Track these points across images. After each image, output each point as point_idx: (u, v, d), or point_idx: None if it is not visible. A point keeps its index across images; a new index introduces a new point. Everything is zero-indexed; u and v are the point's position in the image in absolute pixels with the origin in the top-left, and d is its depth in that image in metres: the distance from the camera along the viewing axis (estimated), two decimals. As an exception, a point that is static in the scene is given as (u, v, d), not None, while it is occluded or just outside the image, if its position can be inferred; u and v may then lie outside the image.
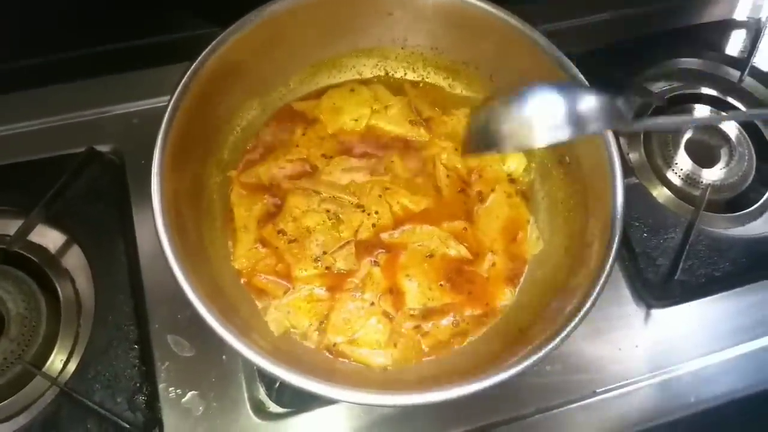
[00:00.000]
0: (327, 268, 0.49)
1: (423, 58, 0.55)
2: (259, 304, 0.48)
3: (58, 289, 0.53)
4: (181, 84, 0.45)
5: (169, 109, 0.43)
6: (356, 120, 0.53)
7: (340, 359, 0.47)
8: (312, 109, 0.55)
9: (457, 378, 0.40)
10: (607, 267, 0.41)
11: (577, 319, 0.40)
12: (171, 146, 0.44)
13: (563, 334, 0.40)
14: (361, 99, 0.54)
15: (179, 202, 0.44)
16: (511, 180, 0.55)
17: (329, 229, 0.50)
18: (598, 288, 0.41)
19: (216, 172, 0.51)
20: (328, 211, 0.50)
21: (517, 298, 0.49)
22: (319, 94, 0.55)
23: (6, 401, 0.49)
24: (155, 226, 0.40)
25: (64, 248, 0.54)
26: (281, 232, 0.50)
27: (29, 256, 0.53)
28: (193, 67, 0.45)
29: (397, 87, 0.57)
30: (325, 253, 0.49)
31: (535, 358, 0.39)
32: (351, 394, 0.38)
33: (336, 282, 0.49)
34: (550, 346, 0.39)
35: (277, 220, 0.50)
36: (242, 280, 0.49)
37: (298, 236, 0.50)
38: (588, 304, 0.41)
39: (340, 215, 0.50)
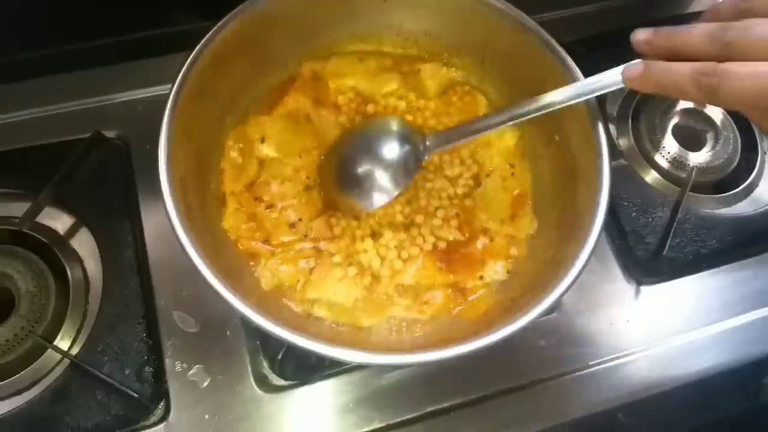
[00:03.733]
0: (305, 235, 0.50)
1: (417, 44, 0.57)
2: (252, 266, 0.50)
3: (67, 269, 0.54)
4: (183, 69, 0.46)
5: (174, 89, 0.45)
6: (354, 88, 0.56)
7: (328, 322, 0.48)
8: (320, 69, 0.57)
9: (452, 343, 0.41)
10: (595, 234, 0.43)
11: (566, 285, 0.42)
12: (176, 128, 0.45)
13: (553, 298, 0.41)
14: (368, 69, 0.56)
15: (185, 178, 0.45)
16: (508, 164, 0.56)
17: (306, 197, 0.51)
18: (587, 254, 0.42)
19: (219, 147, 0.52)
20: (307, 177, 0.52)
21: (511, 270, 0.51)
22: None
23: (17, 375, 0.51)
24: (164, 201, 0.42)
25: (73, 229, 0.56)
26: (258, 198, 0.51)
27: (38, 236, 0.55)
28: (192, 54, 0.47)
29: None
30: (300, 220, 0.50)
31: (525, 319, 0.40)
32: (355, 354, 0.39)
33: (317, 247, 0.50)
34: (540, 308, 0.41)
35: (255, 186, 0.51)
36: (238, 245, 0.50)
37: (274, 203, 0.51)
38: (577, 271, 0.42)
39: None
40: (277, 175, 0.52)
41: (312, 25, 0.54)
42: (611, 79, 0.42)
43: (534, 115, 0.45)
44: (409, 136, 0.49)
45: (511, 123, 0.46)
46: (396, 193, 0.49)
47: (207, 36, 0.47)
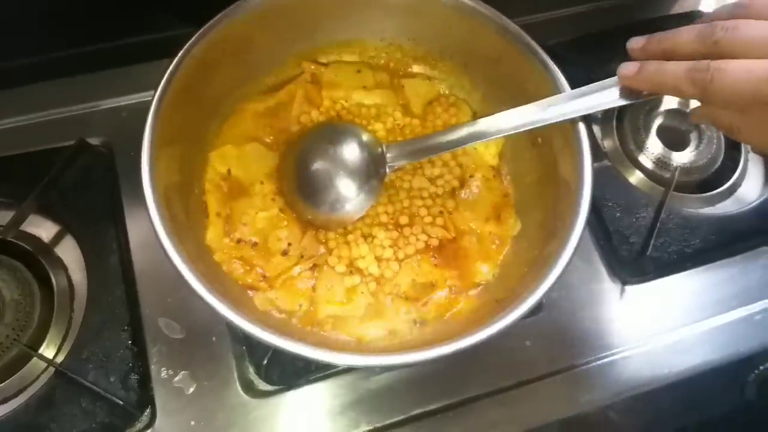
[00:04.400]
0: (300, 256, 0.50)
1: (401, 49, 0.57)
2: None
3: (52, 277, 0.54)
4: (166, 74, 0.47)
5: (156, 96, 0.45)
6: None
7: (328, 332, 0.48)
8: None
9: (438, 344, 0.41)
10: (578, 233, 0.43)
11: (549, 284, 0.42)
12: (159, 134, 0.46)
13: (537, 297, 0.41)
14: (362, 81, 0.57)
15: (169, 185, 0.45)
16: (491, 166, 0.57)
17: (285, 219, 0.51)
18: (570, 253, 0.43)
19: (203, 158, 0.52)
20: (274, 200, 0.51)
21: (496, 272, 0.51)
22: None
23: (1, 384, 0.50)
24: (147, 210, 0.42)
25: (57, 237, 0.56)
26: (240, 241, 0.50)
27: (23, 245, 0.54)
28: (175, 60, 0.47)
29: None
30: (290, 244, 0.50)
31: (510, 318, 0.41)
32: (336, 357, 0.39)
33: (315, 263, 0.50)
34: (524, 307, 0.41)
35: (229, 230, 0.50)
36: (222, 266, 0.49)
37: (257, 240, 0.50)
38: (560, 270, 0.42)
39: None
40: (248, 208, 0.51)
41: (294, 32, 0.55)
42: (600, 97, 0.43)
43: (516, 131, 0.46)
44: (368, 142, 0.50)
45: (485, 140, 0.47)
46: (368, 202, 0.50)
47: (190, 42, 0.48)
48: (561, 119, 0.45)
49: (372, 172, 0.50)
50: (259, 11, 0.50)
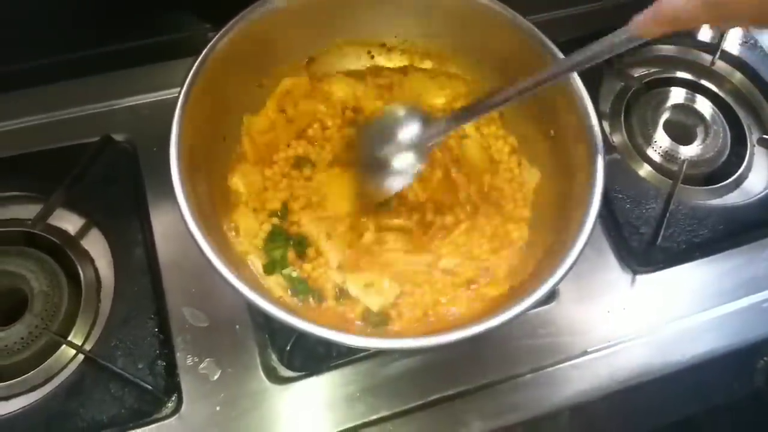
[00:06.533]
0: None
1: (415, 45, 0.59)
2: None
3: (79, 268, 0.56)
4: (191, 73, 0.48)
5: (182, 93, 0.47)
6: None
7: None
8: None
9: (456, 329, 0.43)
10: (590, 222, 0.45)
11: (563, 272, 0.44)
12: (185, 128, 0.47)
13: (551, 284, 0.43)
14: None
15: (194, 175, 0.47)
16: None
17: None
18: (583, 242, 0.44)
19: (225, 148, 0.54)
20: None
21: (510, 261, 0.53)
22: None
23: (31, 372, 0.52)
24: (177, 199, 0.44)
25: (84, 230, 0.58)
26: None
27: (50, 237, 0.56)
28: (199, 58, 0.49)
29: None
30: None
31: (524, 305, 0.42)
32: (360, 340, 0.41)
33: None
34: (538, 294, 0.42)
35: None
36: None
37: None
38: (573, 258, 0.44)
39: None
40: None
41: (313, 29, 0.56)
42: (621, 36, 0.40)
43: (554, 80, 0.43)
44: (419, 118, 0.51)
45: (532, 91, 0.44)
46: (410, 177, 0.51)
47: (218, 35, 0.49)
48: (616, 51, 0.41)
49: (421, 147, 0.51)
50: (278, 11, 0.52)
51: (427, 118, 0.51)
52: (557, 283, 0.44)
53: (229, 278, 0.41)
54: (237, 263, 0.49)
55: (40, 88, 0.62)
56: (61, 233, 0.57)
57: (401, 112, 0.52)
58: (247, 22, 0.51)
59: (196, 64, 0.48)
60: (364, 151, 0.55)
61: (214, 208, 0.51)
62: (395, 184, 0.52)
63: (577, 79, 0.50)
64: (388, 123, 0.52)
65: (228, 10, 0.51)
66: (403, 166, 0.51)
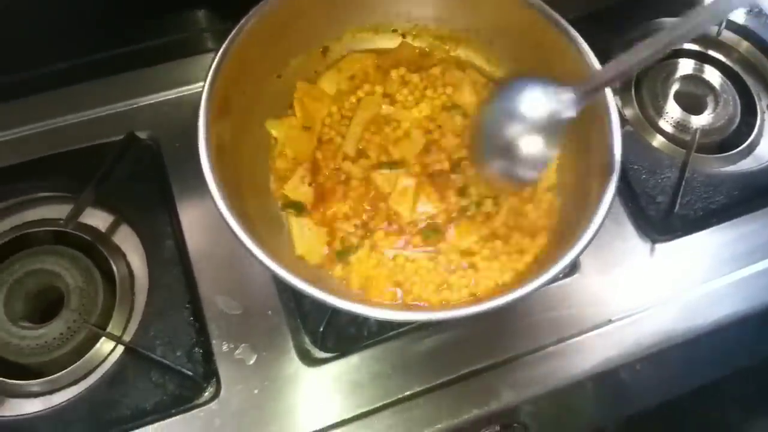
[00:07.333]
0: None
1: (427, 29, 0.60)
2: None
3: (112, 263, 0.57)
4: (210, 73, 0.49)
5: (207, 84, 0.48)
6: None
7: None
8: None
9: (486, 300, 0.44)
10: (610, 194, 0.45)
11: (585, 242, 0.45)
12: (211, 115, 0.48)
13: (574, 254, 0.44)
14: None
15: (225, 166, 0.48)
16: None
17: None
18: (603, 213, 0.45)
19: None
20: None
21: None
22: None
23: (73, 366, 0.54)
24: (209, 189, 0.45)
25: (113, 226, 0.59)
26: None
27: (82, 235, 0.58)
28: (216, 59, 0.49)
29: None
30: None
31: (549, 274, 0.43)
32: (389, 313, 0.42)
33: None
34: (561, 264, 0.43)
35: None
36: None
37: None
38: (593, 230, 0.45)
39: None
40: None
41: (327, 17, 0.57)
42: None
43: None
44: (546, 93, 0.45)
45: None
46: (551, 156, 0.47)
47: (236, 29, 0.50)
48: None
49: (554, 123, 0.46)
50: (286, 4, 0.53)
51: (551, 88, 0.45)
52: (580, 253, 0.45)
53: (268, 263, 0.42)
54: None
55: (62, 90, 0.63)
56: (92, 230, 0.59)
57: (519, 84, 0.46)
58: (261, 15, 0.52)
59: (217, 57, 0.49)
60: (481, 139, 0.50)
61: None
62: (527, 173, 0.48)
63: (591, 55, 0.51)
64: (506, 101, 0.47)
65: (241, 6, 0.52)
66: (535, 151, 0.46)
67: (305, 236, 0.54)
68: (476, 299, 0.45)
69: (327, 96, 0.59)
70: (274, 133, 0.57)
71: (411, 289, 0.52)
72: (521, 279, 0.50)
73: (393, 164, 0.56)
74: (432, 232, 0.54)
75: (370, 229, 0.54)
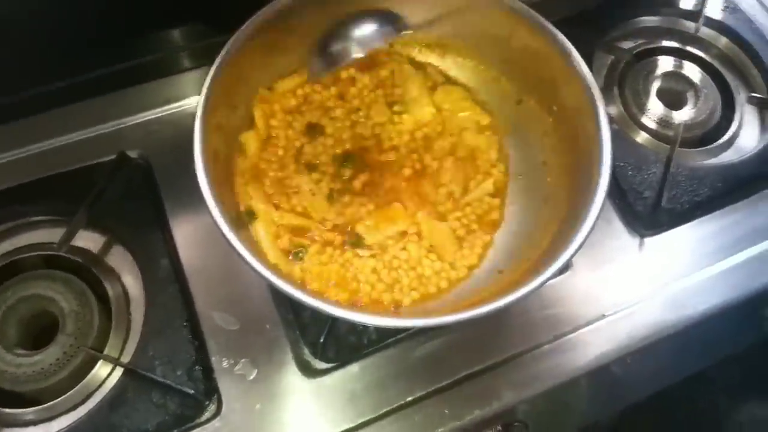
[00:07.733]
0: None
1: (414, 38, 0.61)
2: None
3: (106, 285, 0.57)
4: (208, 78, 0.49)
5: (202, 97, 0.48)
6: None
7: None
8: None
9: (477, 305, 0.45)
10: (602, 193, 0.47)
11: (579, 242, 0.45)
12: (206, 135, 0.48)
13: (568, 254, 0.45)
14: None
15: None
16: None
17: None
18: (595, 213, 0.46)
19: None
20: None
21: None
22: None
23: (71, 391, 0.53)
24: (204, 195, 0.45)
25: (106, 247, 0.59)
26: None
27: (75, 258, 0.57)
28: (213, 69, 0.50)
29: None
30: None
31: (546, 275, 0.44)
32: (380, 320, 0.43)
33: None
34: (556, 266, 0.44)
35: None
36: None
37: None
38: (587, 228, 0.46)
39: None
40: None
41: (311, 29, 0.58)
42: None
43: None
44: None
45: None
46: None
47: (228, 43, 0.51)
48: None
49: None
50: (284, 13, 0.53)
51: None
52: (574, 254, 0.46)
53: (272, 279, 0.43)
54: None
55: (50, 113, 0.62)
56: (85, 252, 0.58)
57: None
58: (250, 30, 0.52)
59: (213, 68, 0.49)
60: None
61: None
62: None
63: (577, 56, 0.52)
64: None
65: (230, 22, 0.52)
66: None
67: (266, 242, 0.54)
68: (475, 303, 0.46)
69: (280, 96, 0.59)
70: (246, 145, 0.56)
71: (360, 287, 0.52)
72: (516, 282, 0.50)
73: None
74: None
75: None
